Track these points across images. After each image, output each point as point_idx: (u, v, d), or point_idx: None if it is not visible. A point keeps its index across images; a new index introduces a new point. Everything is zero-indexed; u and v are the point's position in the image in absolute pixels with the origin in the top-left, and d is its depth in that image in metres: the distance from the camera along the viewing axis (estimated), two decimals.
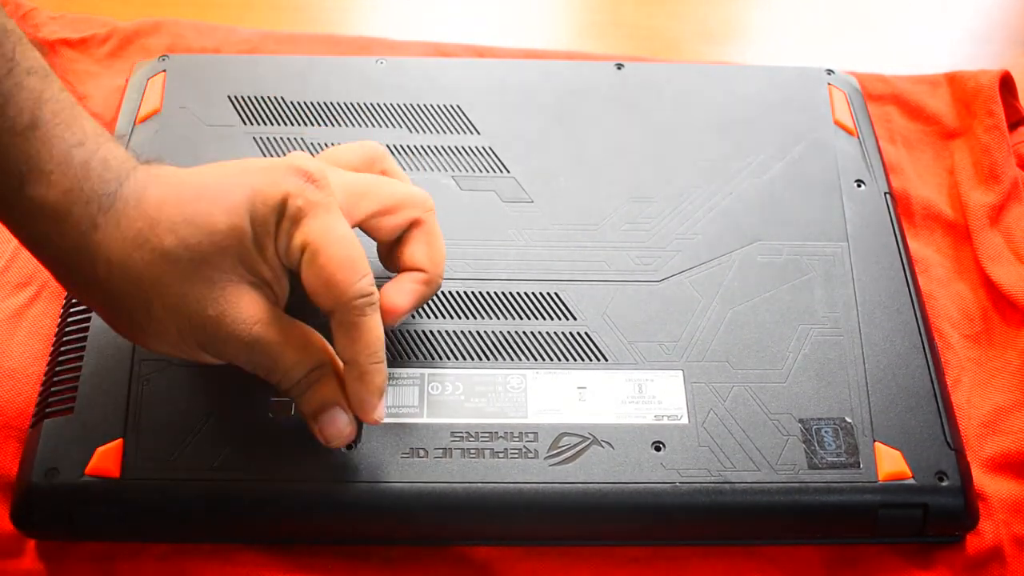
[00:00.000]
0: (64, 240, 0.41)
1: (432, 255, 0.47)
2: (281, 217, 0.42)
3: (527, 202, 0.55)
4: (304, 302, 0.43)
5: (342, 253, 0.42)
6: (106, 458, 0.44)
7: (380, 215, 0.46)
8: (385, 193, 0.46)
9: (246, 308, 0.42)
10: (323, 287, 0.42)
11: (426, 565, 0.46)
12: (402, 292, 0.46)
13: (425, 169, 0.57)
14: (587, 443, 0.46)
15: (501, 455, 0.46)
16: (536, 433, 0.46)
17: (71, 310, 0.50)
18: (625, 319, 0.51)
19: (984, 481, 0.49)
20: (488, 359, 0.49)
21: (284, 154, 0.57)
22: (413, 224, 0.47)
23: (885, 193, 0.57)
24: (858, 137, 0.60)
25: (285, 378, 0.43)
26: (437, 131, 0.59)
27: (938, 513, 0.46)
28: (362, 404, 0.43)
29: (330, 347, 0.44)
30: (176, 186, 0.42)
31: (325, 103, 0.60)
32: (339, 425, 0.44)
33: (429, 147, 0.58)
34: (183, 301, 0.41)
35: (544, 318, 0.51)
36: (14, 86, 0.39)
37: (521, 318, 0.51)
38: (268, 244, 0.42)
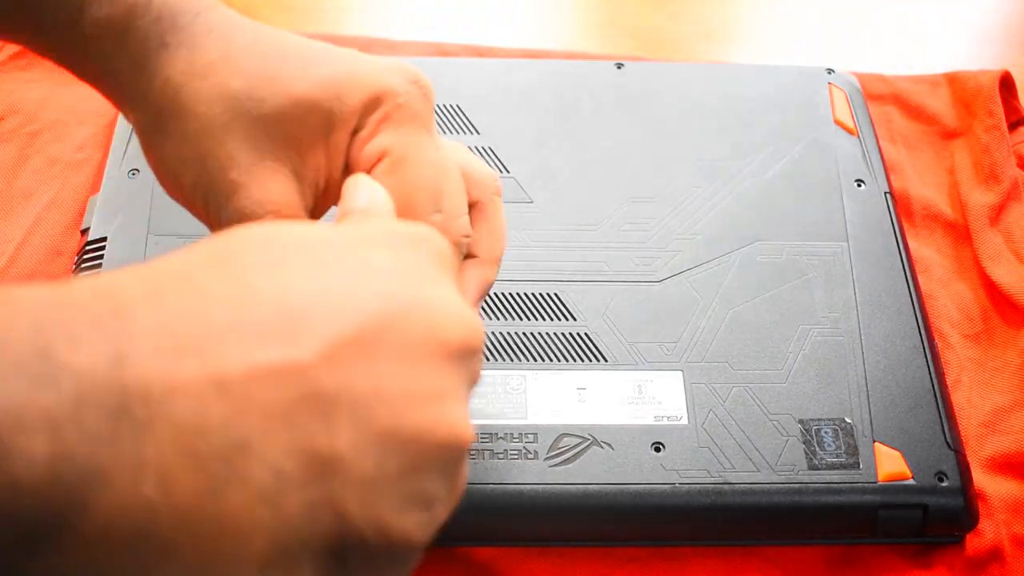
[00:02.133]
0: (124, 56, 0.37)
1: (490, 242, 0.42)
2: (372, 109, 0.38)
3: (527, 202, 0.55)
4: None
5: (430, 177, 0.38)
6: None
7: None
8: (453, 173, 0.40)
9: (270, 190, 0.37)
10: (398, 204, 0.36)
11: (426, 565, 0.46)
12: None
13: None
14: (587, 444, 0.46)
15: (501, 456, 0.46)
16: (536, 434, 0.46)
17: None
18: (625, 319, 0.51)
19: (984, 481, 0.49)
20: (488, 360, 0.49)
21: None
22: (473, 206, 0.41)
23: (885, 193, 0.57)
24: (858, 136, 0.60)
25: None
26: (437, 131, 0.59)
27: (938, 513, 0.46)
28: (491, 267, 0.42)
29: None
30: (265, 41, 0.38)
31: None
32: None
33: None
34: (212, 151, 0.37)
35: (544, 318, 0.51)
36: None
37: (521, 318, 0.51)
38: (340, 134, 0.37)
